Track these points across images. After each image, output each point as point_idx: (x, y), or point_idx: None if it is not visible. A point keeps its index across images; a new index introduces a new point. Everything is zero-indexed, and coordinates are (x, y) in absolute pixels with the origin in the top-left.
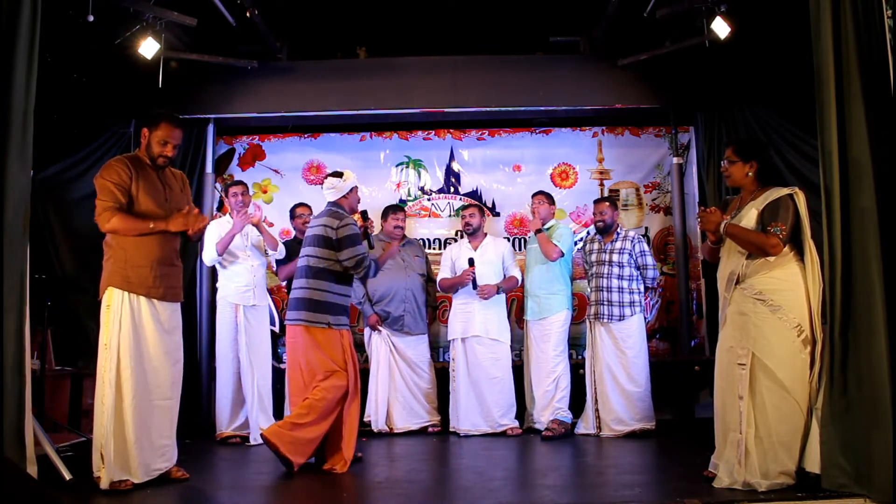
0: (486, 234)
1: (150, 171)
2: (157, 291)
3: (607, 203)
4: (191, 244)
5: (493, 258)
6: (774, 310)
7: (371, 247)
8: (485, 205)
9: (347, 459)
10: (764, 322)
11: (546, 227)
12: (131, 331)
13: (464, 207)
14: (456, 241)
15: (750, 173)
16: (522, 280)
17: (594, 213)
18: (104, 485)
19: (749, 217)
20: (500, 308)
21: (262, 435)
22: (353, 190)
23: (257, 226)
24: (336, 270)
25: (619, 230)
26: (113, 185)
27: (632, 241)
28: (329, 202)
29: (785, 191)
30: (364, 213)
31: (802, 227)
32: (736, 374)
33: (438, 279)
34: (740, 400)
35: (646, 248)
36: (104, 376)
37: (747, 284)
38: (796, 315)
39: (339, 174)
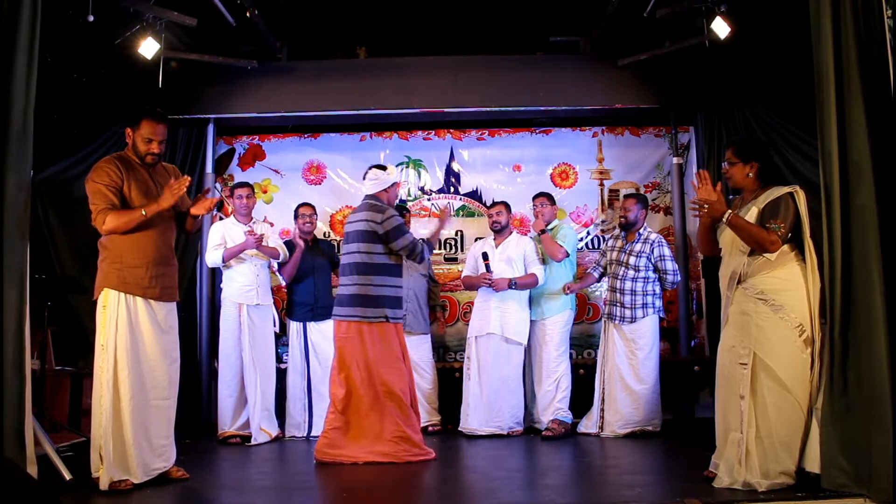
0: (512, 231)
1: (141, 170)
2: (153, 292)
3: (633, 199)
4: (190, 243)
5: (512, 255)
6: (776, 309)
7: None
8: (484, 205)
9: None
10: (766, 322)
11: (549, 227)
12: (128, 331)
13: (492, 205)
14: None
15: (751, 174)
16: None
17: (620, 209)
18: (103, 485)
19: (750, 215)
20: (519, 306)
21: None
22: (396, 185)
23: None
24: (386, 263)
25: (641, 231)
26: (104, 186)
27: (651, 245)
28: (368, 195)
29: (785, 189)
30: (402, 207)
31: (802, 226)
32: (737, 374)
33: (462, 277)
34: (741, 399)
35: (666, 252)
36: (101, 377)
37: (749, 284)
38: (798, 315)
39: (382, 167)
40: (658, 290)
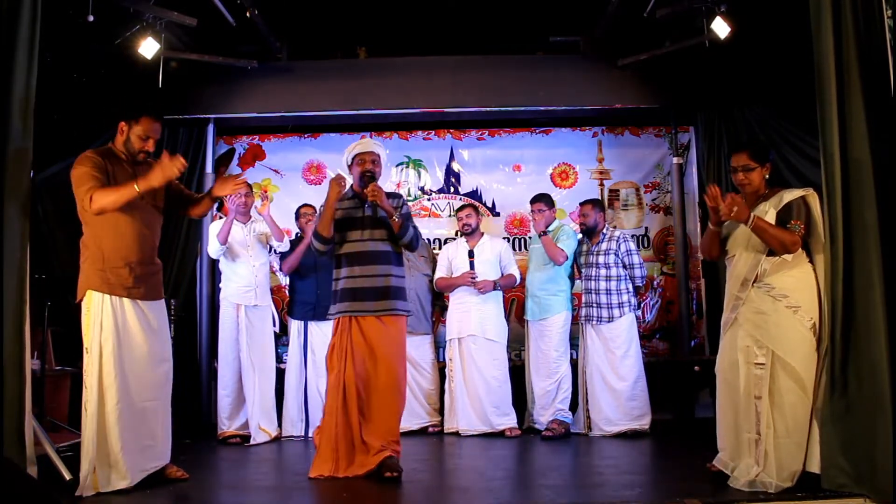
0: (482, 234)
1: (125, 166)
2: (137, 292)
3: (590, 205)
4: (190, 243)
5: (490, 257)
6: (794, 309)
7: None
8: (484, 205)
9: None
10: (785, 321)
11: (549, 229)
12: (114, 334)
13: (460, 208)
14: (454, 240)
15: (767, 176)
16: (523, 280)
17: (578, 216)
18: (85, 490)
19: (768, 218)
20: (496, 307)
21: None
22: (352, 167)
23: (266, 218)
24: (335, 255)
25: (604, 231)
26: (90, 169)
27: (617, 242)
28: None
29: (799, 192)
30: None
31: (815, 229)
32: (752, 374)
33: (436, 279)
34: (758, 400)
35: (632, 247)
36: (87, 381)
37: (766, 283)
38: (812, 315)
39: None
40: (631, 288)
